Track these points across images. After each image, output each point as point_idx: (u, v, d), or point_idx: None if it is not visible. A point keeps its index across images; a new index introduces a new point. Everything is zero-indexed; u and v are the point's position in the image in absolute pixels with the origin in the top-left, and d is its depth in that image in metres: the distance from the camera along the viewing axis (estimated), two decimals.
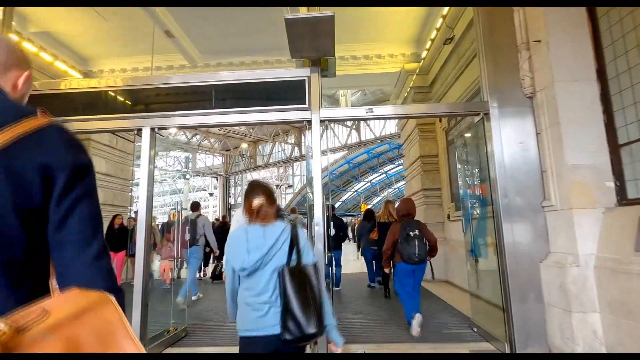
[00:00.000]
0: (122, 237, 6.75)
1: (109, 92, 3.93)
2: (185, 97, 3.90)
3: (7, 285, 0.67)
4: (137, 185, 3.69)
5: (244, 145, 22.09)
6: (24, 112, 0.74)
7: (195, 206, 6.23)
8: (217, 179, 22.61)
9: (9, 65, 0.84)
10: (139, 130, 3.78)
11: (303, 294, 1.63)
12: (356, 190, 30.70)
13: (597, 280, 2.81)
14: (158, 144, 3.96)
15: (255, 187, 1.81)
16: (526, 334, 3.21)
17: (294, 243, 1.72)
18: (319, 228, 3.47)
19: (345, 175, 26.22)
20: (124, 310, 0.64)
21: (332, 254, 4.68)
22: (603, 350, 2.73)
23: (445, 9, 5.53)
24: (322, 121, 3.69)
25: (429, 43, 6.43)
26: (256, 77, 3.89)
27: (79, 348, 0.54)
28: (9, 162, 0.67)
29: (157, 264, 5.92)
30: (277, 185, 22.46)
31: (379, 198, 31.42)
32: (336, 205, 28.20)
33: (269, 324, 1.63)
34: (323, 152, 3.74)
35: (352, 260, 11.11)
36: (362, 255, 7.12)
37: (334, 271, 5.98)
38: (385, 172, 27.22)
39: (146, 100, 3.92)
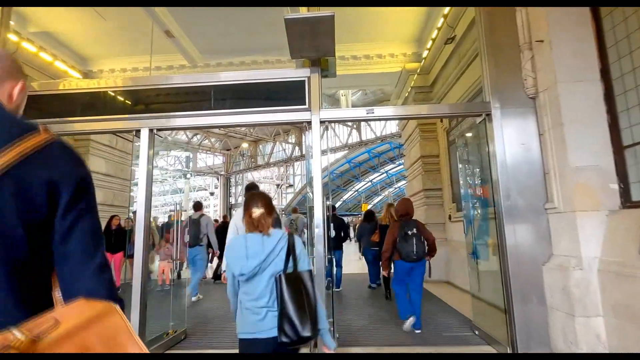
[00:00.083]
0: (119, 238, 6.72)
1: (108, 93, 3.90)
2: (184, 98, 3.88)
3: (12, 291, 0.69)
4: (137, 185, 3.68)
5: (245, 145, 22.11)
6: (27, 128, 0.75)
7: (198, 206, 6.22)
8: (217, 179, 22.63)
9: (3, 76, 0.84)
10: (137, 131, 3.76)
11: (299, 299, 1.70)
12: (357, 190, 30.66)
13: (600, 284, 2.78)
14: (157, 144, 3.94)
15: (255, 197, 1.90)
16: (528, 337, 3.18)
17: (290, 250, 1.80)
18: (319, 230, 3.45)
19: (346, 174, 26.19)
20: None
21: (333, 255, 4.65)
22: None
23: (447, 9, 5.50)
24: (322, 122, 3.66)
25: (430, 43, 6.40)
26: (256, 78, 3.86)
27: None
28: (17, 179, 0.70)
29: (157, 265, 5.89)
30: (277, 185, 22.48)
31: (380, 197, 31.41)
32: (337, 205, 28.19)
33: (267, 327, 1.71)
34: (323, 153, 3.72)
35: (354, 261, 11.09)
36: (363, 255, 7.09)
37: (335, 272, 5.95)
38: (386, 172, 27.18)
39: (145, 100, 3.90)
